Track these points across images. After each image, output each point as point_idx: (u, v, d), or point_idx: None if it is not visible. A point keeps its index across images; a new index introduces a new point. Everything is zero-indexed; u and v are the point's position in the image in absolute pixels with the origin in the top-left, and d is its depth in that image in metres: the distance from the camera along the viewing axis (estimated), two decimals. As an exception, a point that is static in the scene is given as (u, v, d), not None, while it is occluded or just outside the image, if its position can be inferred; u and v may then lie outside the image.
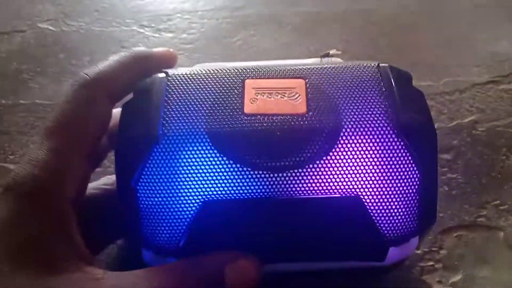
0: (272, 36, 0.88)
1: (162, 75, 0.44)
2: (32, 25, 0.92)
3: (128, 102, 0.45)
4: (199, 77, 0.44)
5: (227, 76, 0.44)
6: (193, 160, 0.39)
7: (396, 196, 0.40)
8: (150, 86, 0.43)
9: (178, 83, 0.43)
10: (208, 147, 0.39)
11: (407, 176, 0.40)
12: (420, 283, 0.54)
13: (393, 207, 0.41)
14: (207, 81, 0.43)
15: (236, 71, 0.44)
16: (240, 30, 0.90)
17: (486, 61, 0.81)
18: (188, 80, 0.43)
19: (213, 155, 0.39)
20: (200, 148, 0.39)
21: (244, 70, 0.44)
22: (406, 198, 0.41)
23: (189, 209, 0.40)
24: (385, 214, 0.41)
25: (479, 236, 0.58)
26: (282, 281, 0.47)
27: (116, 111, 0.46)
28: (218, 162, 0.39)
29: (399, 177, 0.40)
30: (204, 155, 0.39)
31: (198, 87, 0.43)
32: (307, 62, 0.49)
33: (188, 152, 0.39)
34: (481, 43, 0.85)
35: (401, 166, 0.40)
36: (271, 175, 0.39)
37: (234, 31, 0.89)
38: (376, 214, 0.40)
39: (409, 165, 0.40)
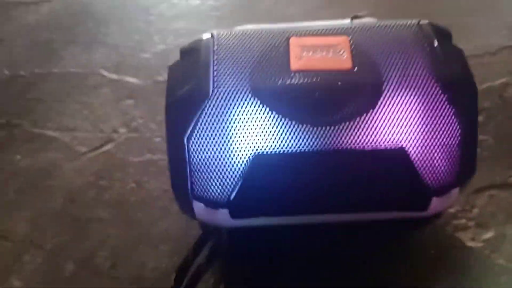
0: (298, 2, 0.88)
1: (207, 35, 0.45)
2: (59, -6, 0.93)
3: (175, 63, 0.46)
4: (244, 36, 0.45)
5: (271, 35, 0.45)
6: (244, 114, 0.41)
7: (439, 147, 0.42)
8: (198, 46, 0.44)
9: (224, 42, 0.44)
10: (258, 102, 0.41)
11: (450, 128, 0.42)
12: (454, 239, 0.55)
13: (436, 158, 0.42)
14: (252, 40, 0.44)
15: (279, 30, 0.45)
16: (264, -3, 0.90)
17: (515, 25, 0.81)
18: (234, 39, 0.44)
19: (263, 110, 0.41)
20: (250, 103, 0.41)
21: (287, 30, 0.45)
22: (449, 150, 0.42)
23: (240, 162, 0.41)
24: (428, 165, 0.42)
25: (510, 195, 0.58)
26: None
27: None
28: (267, 117, 0.41)
29: (442, 129, 0.41)
30: (254, 110, 0.41)
31: (244, 46, 0.44)
32: (339, 23, 0.50)
33: (239, 107, 0.41)
34: (509, 7, 0.84)
35: (444, 118, 0.41)
36: (319, 128, 0.40)
37: (256, -1, 0.90)
38: (420, 165, 0.42)
39: (452, 118, 0.41)
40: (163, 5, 0.89)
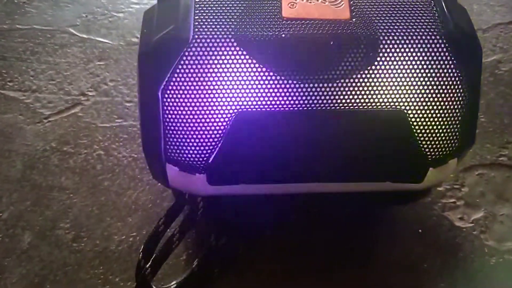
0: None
1: (190, -24, 0.40)
2: None
3: (153, 6, 0.41)
4: (231, -17, 0.40)
5: (262, -17, 0.40)
6: (227, 66, 0.36)
7: (441, 112, 0.38)
8: (178, -13, 0.39)
9: (208, -15, 0.39)
10: (243, 53, 0.36)
11: (453, 92, 0.38)
12: (442, 219, 0.53)
13: (437, 124, 0.38)
14: (240, -13, 0.40)
15: (270, -25, 0.41)
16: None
17: (509, 1, 0.78)
18: (219, -15, 0.40)
19: (249, 61, 0.36)
20: (234, 53, 0.36)
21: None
22: (450, 115, 0.38)
23: (221, 120, 0.36)
24: (427, 131, 0.38)
25: (500, 174, 0.56)
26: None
27: None
28: (253, 70, 0.36)
29: (445, 92, 0.38)
30: (239, 62, 0.36)
31: (231, -8, 0.39)
32: None
33: (222, 57, 0.36)
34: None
35: (448, 80, 0.38)
36: (311, 85, 0.36)
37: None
38: (418, 131, 0.38)
39: (456, 80, 0.38)
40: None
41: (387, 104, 0.37)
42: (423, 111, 0.38)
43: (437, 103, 0.38)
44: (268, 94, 0.36)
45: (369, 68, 0.36)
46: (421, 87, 0.37)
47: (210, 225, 0.48)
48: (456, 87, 0.38)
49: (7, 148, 0.61)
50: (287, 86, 0.36)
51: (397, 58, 0.37)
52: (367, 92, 0.37)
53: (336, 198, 0.48)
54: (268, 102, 0.36)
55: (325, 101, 0.36)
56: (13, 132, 0.62)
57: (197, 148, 0.37)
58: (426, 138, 0.39)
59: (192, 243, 0.48)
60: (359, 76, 0.36)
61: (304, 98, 0.36)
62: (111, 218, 0.54)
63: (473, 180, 0.56)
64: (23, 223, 0.54)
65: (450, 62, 0.37)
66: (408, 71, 0.37)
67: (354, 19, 0.37)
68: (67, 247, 0.52)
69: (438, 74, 0.37)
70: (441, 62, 0.37)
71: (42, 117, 0.63)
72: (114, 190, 0.56)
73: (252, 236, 0.49)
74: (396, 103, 0.37)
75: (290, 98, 0.36)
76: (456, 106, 0.38)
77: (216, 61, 0.36)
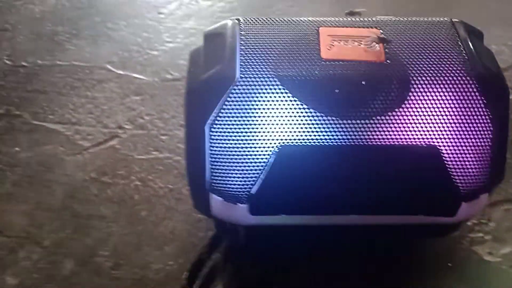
0: (311, 7, 0.87)
1: (232, 20, 0.43)
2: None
3: (199, 47, 0.44)
4: (271, 24, 0.43)
5: (300, 24, 0.43)
6: (271, 103, 0.38)
7: (472, 147, 0.40)
8: (223, 30, 0.42)
9: (251, 27, 0.42)
10: (285, 91, 0.39)
11: (483, 129, 0.40)
12: (471, 253, 0.53)
13: (469, 159, 0.40)
14: (280, 28, 0.42)
15: (307, 20, 0.44)
16: (279, 0, 0.89)
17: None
18: (261, 25, 0.43)
19: (290, 99, 0.38)
20: (277, 91, 0.39)
21: (315, 20, 0.44)
22: (481, 151, 0.40)
23: (265, 153, 0.39)
24: (460, 166, 0.40)
25: (526, 210, 0.58)
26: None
27: None
28: (295, 107, 0.38)
29: (475, 129, 0.40)
30: (281, 99, 0.38)
31: (271, 33, 0.42)
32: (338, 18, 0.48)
33: (267, 95, 0.38)
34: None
35: (478, 118, 0.40)
36: (349, 122, 0.38)
37: (272, 1, 0.88)
38: (451, 166, 0.40)
39: (486, 118, 0.40)
40: (174, 4, 0.87)
41: (422, 140, 0.39)
42: (456, 147, 0.40)
43: (469, 140, 0.40)
44: (309, 130, 0.38)
45: (403, 106, 0.38)
46: (453, 125, 0.39)
47: (251, 255, 0.49)
48: (486, 125, 0.40)
49: (48, 178, 0.63)
50: (327, 122, 0.38)
51: (430, 98, 0.39)
52: (401, 129, 0.39)
53: (369, 229, 0.50)
54: (309, 137, 0.38)
55: (362, 137, 0.38)
56: (54, 163, 0.65)
57: (241, 179, 0.39)
58: (459, 173, 0.40)
59: (234, 272, 0.50)
60: (394, 113, 0.38)
61: (342, 133, 0.38)
62: (149, 247, 0.56)
63: (500, 215, 0.57)
64: (64, 250, 0.56)
65: (480, 101, 0.39)
66: (441, 109, 0.39)
67: (389, 61, 0.39)
68: (107, 275, 0.54)
69: (468, 112, 0.39)
70: (471, 101, 0.39)
71: (82, 148, 0.66)
72: (151, 219, 0.58)
73: (286, 266, 0.50)
74: (430, 140, 0.39)
75: (329, 133, 0.38)
76: (486, 142, 0.40)
77: (261, 99, 0.38)
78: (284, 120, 0.39)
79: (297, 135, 0.39)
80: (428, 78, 0.39)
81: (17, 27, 0.82)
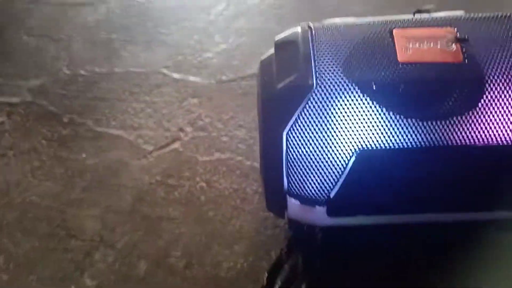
0: (360, 0, 0.86)
1: (304, 28, 0.44)
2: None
3: (270, 55, 0.45)
4: (341, 29, 0.43)
5: (370, 27, 0.43)
6: (348, 108, 0.39)
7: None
8: (294, 38, 0.43)
9: (322, 34, 0.43)
10: (363, 95, 0.39)
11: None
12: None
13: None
14: (352, 32, 0.43)
15: (379, 22, 0.44)
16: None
17: None
18: (331, 32, 0.43)
19: (368, 103, 0.39)
20: (354, 96, 0.39)
21: (387, 21, 0.44)
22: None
23: (343, 158, 0.39)
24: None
25: None
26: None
27: None
28: (373, 110, 0.39)
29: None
30: (359, 103, 0.39)
31: (343, 38, 0.42)
32: (407, 17, 0.48)
33: (343, 100, 0.39)
34: None
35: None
36: (428, 123, 0.38)
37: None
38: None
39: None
40: (222, 4, 0.88)
41: (503, 138, 0.39)
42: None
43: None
44: (388, 133, 0.39)
45: (483, 105, 0.38)
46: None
47: (329, 255, 0.50)
48: None
49: (115, 182, 0.66)
50: (405, 124, 0.38)
51: (509, 96, 0.39)
52: (483, 128, 0.39)
53: (439, 226, 0.50)
54: (388, 140, 0.39)
55: (441, 138, 0.39)
56: (120, 167, 0.67)
57: (319, 183, 0.40)
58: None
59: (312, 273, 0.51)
60: (475, 113, 0.39)
61: (421, 135, 0.39)
62: (219, 246, 0.57)
63: None
64: (137, 252, 0.58)
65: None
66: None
67: (467, 61, 0.39)
68: (180, 274, 0.56)
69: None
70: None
71: (146, 152, 0.68)
72: (219, 219, 0.60)
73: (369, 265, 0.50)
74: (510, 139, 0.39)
75: (408, 136, 0.39)
76: None
77: (339, 104, 0.39)
78: (362, 125, 0.39)
79: (376, 139, 0.39)
80: (506, 77, 0.39)
81: (72, 37, 0.84)
